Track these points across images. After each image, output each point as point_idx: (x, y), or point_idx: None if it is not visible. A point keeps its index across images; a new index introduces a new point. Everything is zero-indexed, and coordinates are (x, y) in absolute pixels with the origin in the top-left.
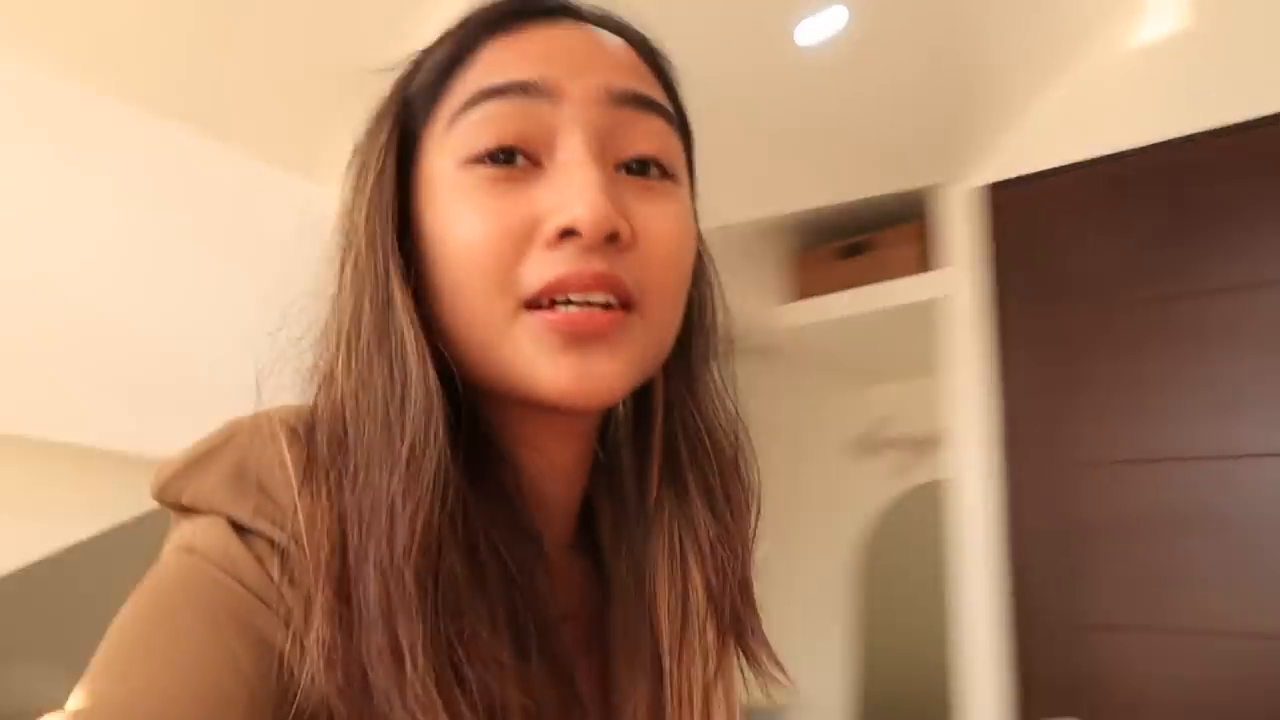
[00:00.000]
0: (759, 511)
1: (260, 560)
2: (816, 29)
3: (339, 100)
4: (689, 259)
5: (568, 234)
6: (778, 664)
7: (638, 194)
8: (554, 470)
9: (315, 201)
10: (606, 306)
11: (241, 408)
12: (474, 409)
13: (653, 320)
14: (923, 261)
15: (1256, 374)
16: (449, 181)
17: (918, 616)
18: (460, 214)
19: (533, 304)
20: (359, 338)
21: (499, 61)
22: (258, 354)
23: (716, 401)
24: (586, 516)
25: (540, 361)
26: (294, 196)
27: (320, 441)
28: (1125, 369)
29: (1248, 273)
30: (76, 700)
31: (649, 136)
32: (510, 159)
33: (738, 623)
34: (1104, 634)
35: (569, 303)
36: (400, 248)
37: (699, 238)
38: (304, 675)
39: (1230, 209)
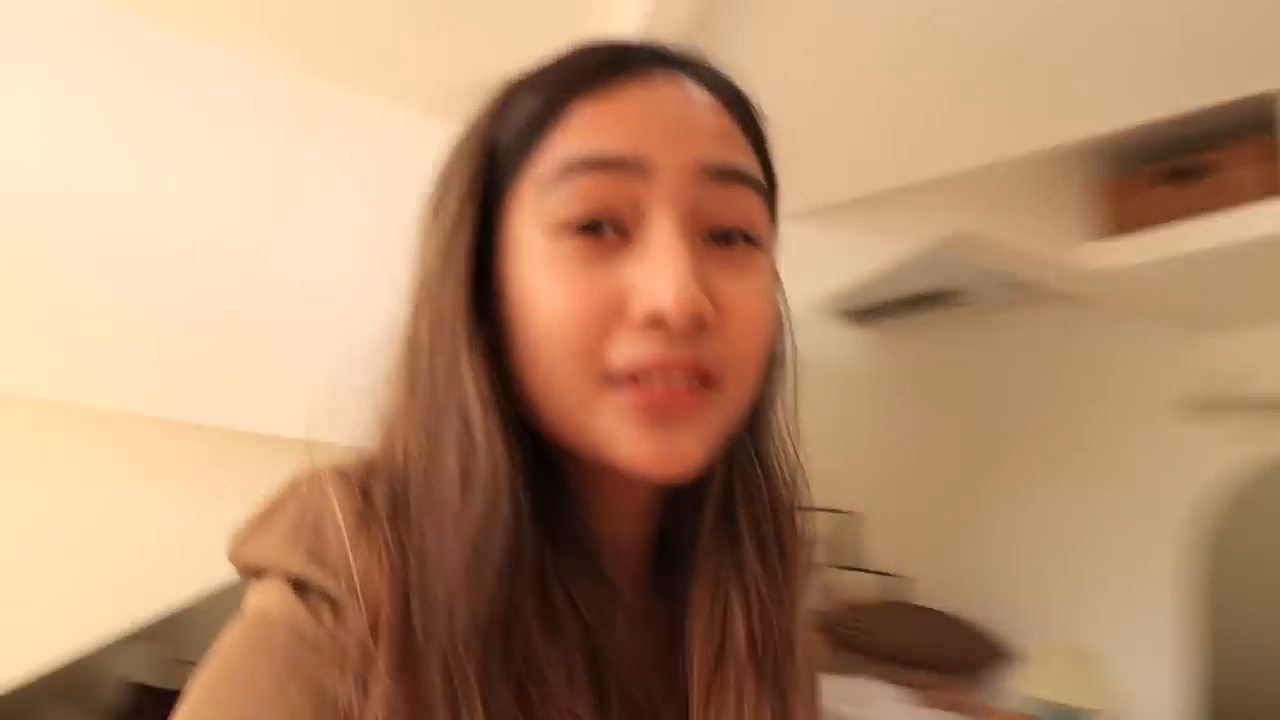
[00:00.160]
0: (811, 564)
1: (318, 614)
2: None
3: None
4: (771, 333)
5: (654, 319)
6: None
7: (724, 268)
8: (628, 512)
9: None
10: (689, 386)
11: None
12: (544, 452)
13: (732, 394)
14: (1272, 184)
15: None
16: (535, 248)
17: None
18: (547, 286)
19: (615, 379)
20: (430, 391)
21: (591, 128)
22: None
23: (779, 448)
24: (662, 555)
25: (620, 437)
26: None
27: (379, 493)
28: None
29: None
30: None
31: (738, 208)
32: (598, 230)
33: (778, 675)
34: None
35: (650, 379)
36: (475, 299)
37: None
38: None
39: None
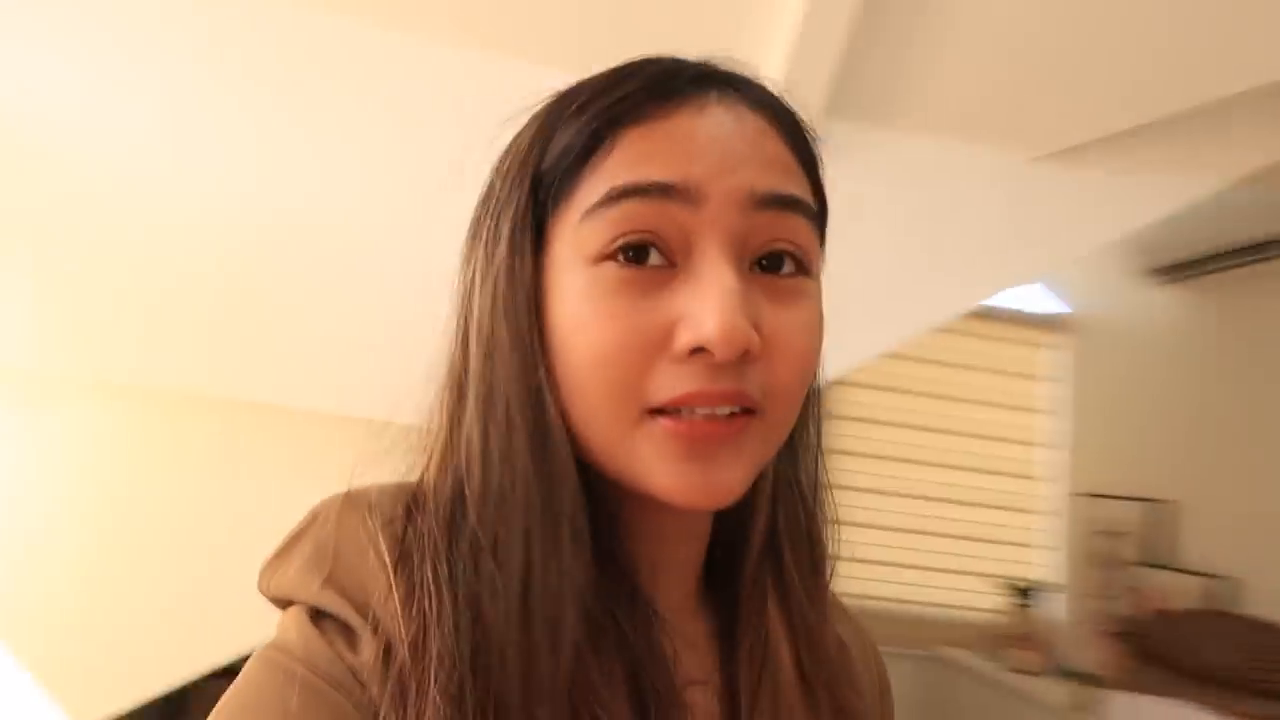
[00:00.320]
0: (829, 584)
1: (333, 645)
2: None
3: None
4: (816, 363)
5: (698, 350)
6: None
7: (771, 296)
8: (671, 536)
9: None
10: (730, 415)
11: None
12: (585, 472)
13: (774, 422)
14: None
15: None
16: (579, 277)
17: None
18: (591, 318)
19: (657, 410)
20: (506, 425)
21: (638, 155)
22: None
23: (811, 468)
24: (710, 575)
25: (660, 468)
26: None
27: (427, 523)
28: None
29: None
30: None
31: (787, 236)
32: (643, 258)
33: (832, 698)
34: None
35: (693, 409)
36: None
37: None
38: None
39: None
